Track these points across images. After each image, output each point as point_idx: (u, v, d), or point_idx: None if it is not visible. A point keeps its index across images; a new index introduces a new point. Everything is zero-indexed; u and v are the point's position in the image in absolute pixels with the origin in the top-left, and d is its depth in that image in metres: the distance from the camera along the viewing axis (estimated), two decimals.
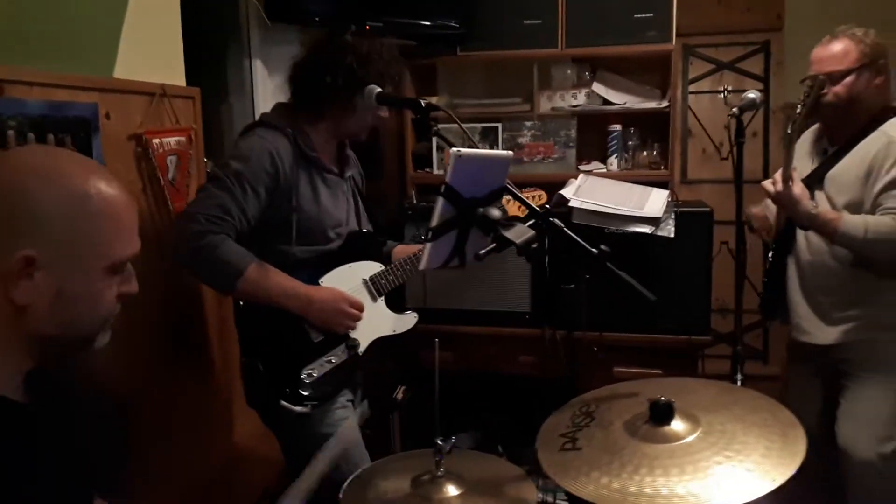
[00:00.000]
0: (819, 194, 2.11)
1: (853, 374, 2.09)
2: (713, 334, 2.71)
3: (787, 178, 1.97)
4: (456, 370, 2.90)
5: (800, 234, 2.16)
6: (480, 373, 2.91)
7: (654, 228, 2.46)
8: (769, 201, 2.16)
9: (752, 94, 1.89)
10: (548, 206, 2.69)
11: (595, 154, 3.22)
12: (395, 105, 1.75)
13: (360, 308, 1.82)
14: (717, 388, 1.37)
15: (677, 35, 3.05)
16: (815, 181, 2.11)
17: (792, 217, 2.07)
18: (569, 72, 3.16)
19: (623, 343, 2.59)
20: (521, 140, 3.13)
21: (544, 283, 2.58)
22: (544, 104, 3.18)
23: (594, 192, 2.60)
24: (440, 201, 1.47)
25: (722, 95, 3.82)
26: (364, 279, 1.89)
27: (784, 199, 2.00)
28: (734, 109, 1.82)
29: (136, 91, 1.97)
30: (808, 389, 2.25)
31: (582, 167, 3.15)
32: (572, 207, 2.54)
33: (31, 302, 0.92)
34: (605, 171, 3.12)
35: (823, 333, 2.14)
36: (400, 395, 2.66)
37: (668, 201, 2.54)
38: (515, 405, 3.05)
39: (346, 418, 1.90)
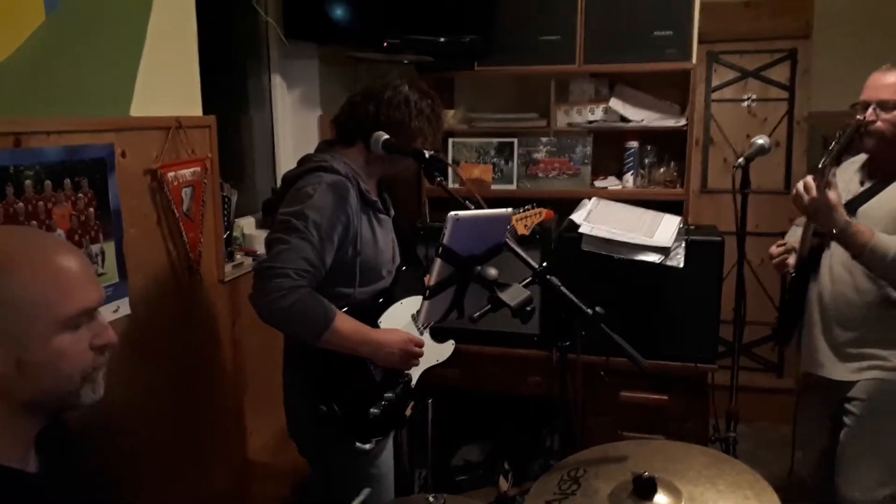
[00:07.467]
0: None
1: (858, 415, 2.06)
2: (721, 344, 2.68)
3: (823, 185, 1.87)
4: (463, 388, 2.95)
5: (824, 263, 2.10)
6: (487, 390, 2.95)
7: (663, 258, 2.46)
8: (794, 229, 2.03)
9: (760, 140, 1.84)
10: (554, 226, 2.71)
11: (611, 169, 3.21)
12: (399, 153, 1.77)
13: (422, 346, 1.88)
14: (708, 457, 1.39)
15: (701, 42, 3.00)
16: (847, 213, 2.00)
17: (823, 225, 1.96)
18: (586, 86, 3.15)
19: (630, 367, 2.59)
20: (537, 155, 3.13)
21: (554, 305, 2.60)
22: (561, 118, 3.17)
23: (605, 217, 2.61)
24: (437, 262, 1.51)
25: (745, 104, 3.77)
26: (413, 314, 1.96)
27: (819, 206, 1.90)
28: (740, 160, 1.76)
29: (151, 127, 2.02)
30: (815, 423, 2.23)
31: (597, 183, 3.15)
32: (582, 234, 2.55)
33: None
34: (619, 187, 3.12)
35: (836, 368, 2.10)
36: (409, 411, 2.72)
37: (679, 228, 2.53)
38: (522, 422, 3.10)
39: (390, 461, 1.99)
